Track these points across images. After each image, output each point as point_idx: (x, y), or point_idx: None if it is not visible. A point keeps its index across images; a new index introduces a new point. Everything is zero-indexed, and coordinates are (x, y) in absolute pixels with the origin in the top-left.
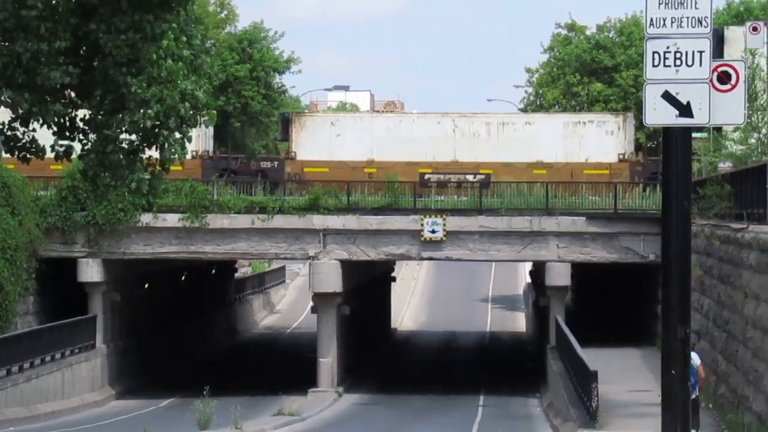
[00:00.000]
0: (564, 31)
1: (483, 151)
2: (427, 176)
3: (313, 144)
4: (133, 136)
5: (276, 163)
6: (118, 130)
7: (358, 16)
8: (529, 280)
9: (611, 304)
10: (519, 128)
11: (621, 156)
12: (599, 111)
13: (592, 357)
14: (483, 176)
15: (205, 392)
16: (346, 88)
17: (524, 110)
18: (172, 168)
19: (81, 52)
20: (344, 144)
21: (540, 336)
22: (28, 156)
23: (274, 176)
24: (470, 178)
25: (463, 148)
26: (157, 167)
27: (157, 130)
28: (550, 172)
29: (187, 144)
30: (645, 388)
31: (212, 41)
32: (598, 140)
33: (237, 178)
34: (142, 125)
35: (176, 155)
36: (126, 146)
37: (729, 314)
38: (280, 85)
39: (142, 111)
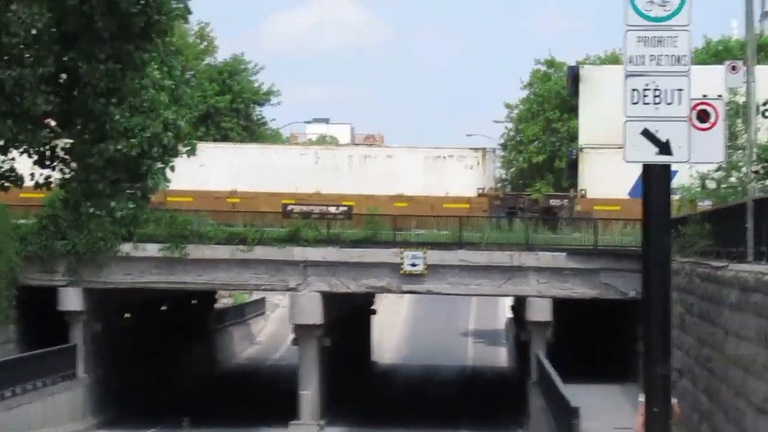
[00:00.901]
0: (543, 68)
1: (345, 184)
2: (289, 207)
3: (177, 173)
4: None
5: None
6: (101, 160)
7: (339, 50)
8: (510, 314)
9: (593, 339)
10: (381, 161)
11: (480, 190)
12: (457, 147)
13: (573, 393)
14: (345, 208)
15: (184, 423)
16: (326, 121)
17: (504, 146)
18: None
19: (61, 81)
20: (208, 174)
21: (521, 371)
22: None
23: None
24: (332, 209)
25: (325, 180)
26: (139, 197)
27: (140, 159)
28: (411, 205)
29: (169, 173)
30: (627, 426)
31: (192, 72)
32: (458, 174)
33: None
34: (125, 154)
35: (159, 184)
36: (109, 175)
37: (710, 352)
38: (259, 117)
39: (125, 140)
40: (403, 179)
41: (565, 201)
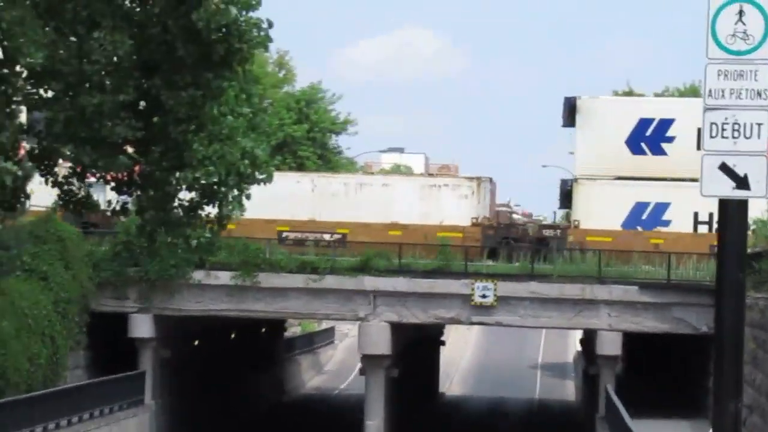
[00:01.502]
0: None
1: (340, 211)
2: (284, 234)
3: None
4: (193, 193)
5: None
6: (179, 187)
7: (416, 79)
8: (579, 347)
9: (662, 374)
10: (376, 189)
11: (474, 220)
12: (452, 176)
13: (642, 428)
14: (339, 235)
15: None
16: (400, 150)
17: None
18: None
19: (141, 107)
20: None
21: (589, 405)
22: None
23: None
24: (327, 237)
25: (321, 207)
26: (215, 225)
27: (216, 187)
28: (405, 233)
29: (245, 201)
30: None
31: (270, 101)
32: (452, 204)
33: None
34: (203, 182)
35: (235, 212)
36: (186, 203)
37: None
38: (336, 146)
39: (202, 168)
40: (398, 207)
41: (558, 231)
